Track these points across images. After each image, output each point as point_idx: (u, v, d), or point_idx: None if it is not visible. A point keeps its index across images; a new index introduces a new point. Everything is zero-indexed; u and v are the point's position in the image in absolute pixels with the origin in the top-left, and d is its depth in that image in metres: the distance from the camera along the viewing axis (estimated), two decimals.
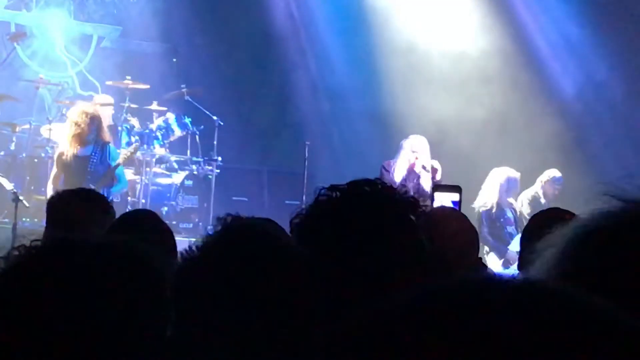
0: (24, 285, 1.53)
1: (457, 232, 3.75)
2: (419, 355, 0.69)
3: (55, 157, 9.41)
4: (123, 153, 9.61)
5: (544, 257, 1.27)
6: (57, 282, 1.52)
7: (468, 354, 0.68)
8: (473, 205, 9.75)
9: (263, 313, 1.80)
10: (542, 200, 10.32)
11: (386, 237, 2.22)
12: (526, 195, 10.52)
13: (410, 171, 9.05)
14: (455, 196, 5.04)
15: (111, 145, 9.48)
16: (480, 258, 4.21)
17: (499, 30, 12.16)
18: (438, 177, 9.41)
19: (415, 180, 9.09)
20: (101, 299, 1.52)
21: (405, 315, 0.73)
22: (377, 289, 1.78)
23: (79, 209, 4.37)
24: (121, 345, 1.51)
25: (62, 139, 9.55)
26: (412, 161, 9.18)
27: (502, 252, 9.82)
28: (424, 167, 9.35)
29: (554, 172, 10.51)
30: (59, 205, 4.56)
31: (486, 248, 9.84)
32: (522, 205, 10.39)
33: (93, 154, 9.27)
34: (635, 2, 12.08)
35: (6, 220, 9.67)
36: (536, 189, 10.50)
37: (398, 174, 8.85)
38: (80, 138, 9.07)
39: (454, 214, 4.14)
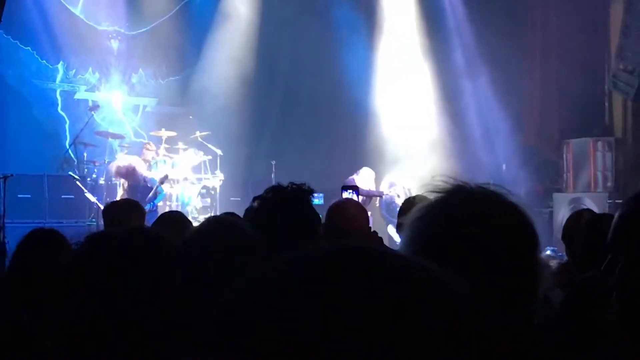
0: (92, 258, 1.88)
1: (354, 214, 4.26)
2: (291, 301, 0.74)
3: (120, 183, 11.58)
4: (159, 180, 11.57)
5: (406, 227, 1.55)
6: (104, 256, 1.88)
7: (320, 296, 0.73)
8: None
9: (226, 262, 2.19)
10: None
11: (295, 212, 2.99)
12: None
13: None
14: (354, 193, 7.00)
15: (151, 176, 11.67)
16: (371, 228, 4.59)
17: None
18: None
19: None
20: (130, 264, 1.86)
21: (287, 270, 0.78)
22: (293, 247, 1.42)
23: (120, 211, 5.37)
24: (145, 288, 1.82)
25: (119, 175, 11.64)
26: (363, 186, 11.68)
27: (394, 224, 10.17)
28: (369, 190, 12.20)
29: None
30: (109, 209, 5.55)
31: (385, 221, 12.55)
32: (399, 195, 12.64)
33: (138, 185, 11.43)
34: None
35: (94, 220, 11.79)
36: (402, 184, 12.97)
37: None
38: (132, 178, 11.35)
39: (353, 202, 4.78)
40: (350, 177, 12.07)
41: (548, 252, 10.65)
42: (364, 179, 12.23)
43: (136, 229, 1.99)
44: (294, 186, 3.08)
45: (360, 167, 12.68)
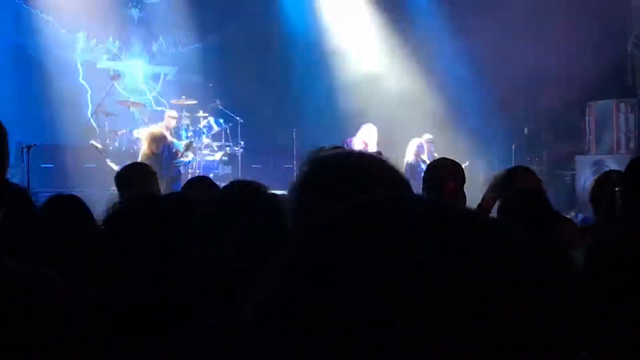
0: (130, 216, 2.07)
1: None
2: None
3: (141, 153, 11.25)
4: (182, 146, 11.61)
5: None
6: (146, 215, 2.05)
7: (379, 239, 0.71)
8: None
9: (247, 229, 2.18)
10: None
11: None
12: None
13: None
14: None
15: (174, 141, 11.62)
16: None
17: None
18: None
19: None
20: (167, 219, 2.05)
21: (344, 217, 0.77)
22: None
23: (133, 175, 5.44)
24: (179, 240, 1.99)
25: (145, 143, 11.36)
26: (363, 147, 11.29)
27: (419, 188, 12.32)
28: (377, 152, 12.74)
29: (428, 136, 12.86)
30: (122, 174, 5.59)
31: None
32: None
33: (163, 151, 11.18)
34: None
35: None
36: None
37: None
38: (155, 144, 11.08)
39: None
40: (348, 139, 12.01)
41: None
42: (364, 136, 12.09)
43: (174, 193, 2.31)
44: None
45: (380, 134, 12.61)
